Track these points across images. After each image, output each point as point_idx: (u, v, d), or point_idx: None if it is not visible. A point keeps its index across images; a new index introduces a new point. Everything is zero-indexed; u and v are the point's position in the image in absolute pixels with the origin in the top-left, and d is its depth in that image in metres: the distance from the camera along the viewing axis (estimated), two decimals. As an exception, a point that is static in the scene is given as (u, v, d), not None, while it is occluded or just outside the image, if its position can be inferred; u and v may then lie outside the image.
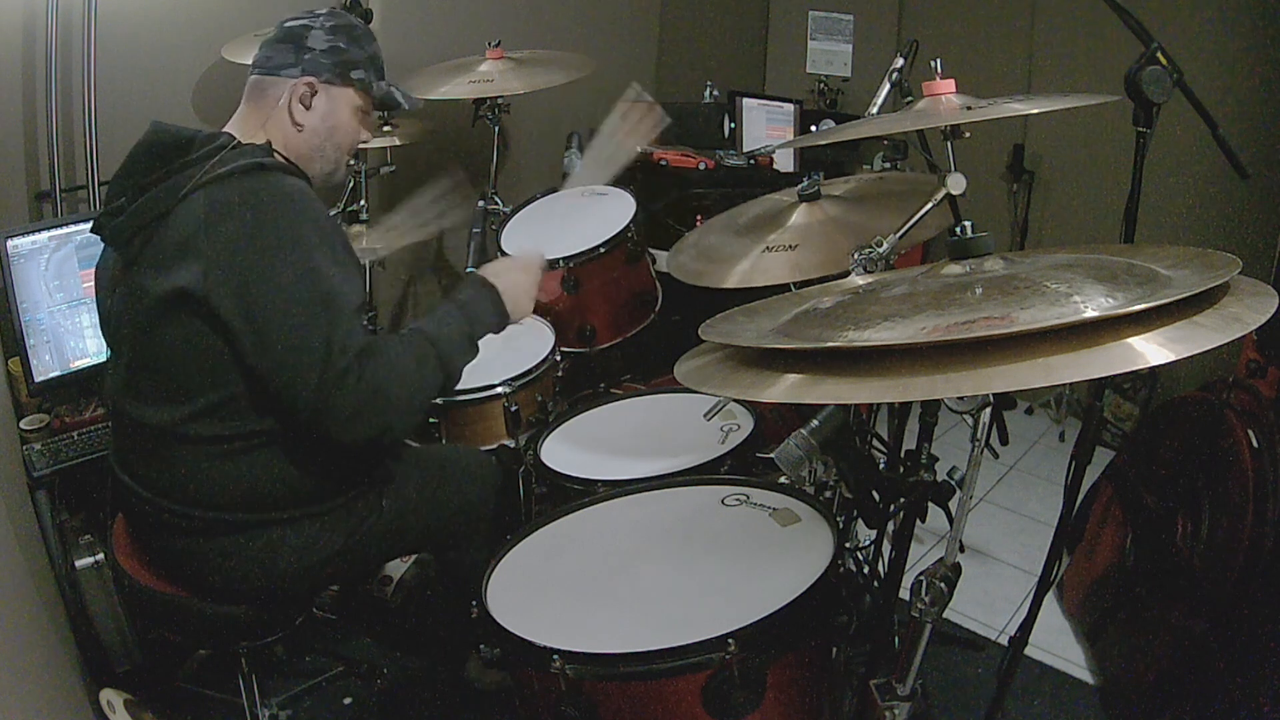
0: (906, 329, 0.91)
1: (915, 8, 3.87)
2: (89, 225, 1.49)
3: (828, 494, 1.70)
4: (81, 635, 1.96)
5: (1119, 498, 2.27)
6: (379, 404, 1.32)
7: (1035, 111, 1.28)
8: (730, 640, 1.09)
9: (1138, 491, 2.17)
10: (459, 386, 2.03)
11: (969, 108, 1.26)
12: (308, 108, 1.47)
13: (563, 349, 2.25)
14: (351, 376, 1.29)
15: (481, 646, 1.29)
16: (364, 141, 1.58)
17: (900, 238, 1.39)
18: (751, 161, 3.35)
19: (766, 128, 3.59)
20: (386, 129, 2.62)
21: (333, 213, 2.60)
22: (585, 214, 2.52)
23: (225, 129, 1.46)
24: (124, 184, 1.39)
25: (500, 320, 1.59)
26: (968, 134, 1.33)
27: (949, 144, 1.34)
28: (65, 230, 2.01)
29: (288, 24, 1.48)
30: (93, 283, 2.01)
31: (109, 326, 1.50)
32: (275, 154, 1.44)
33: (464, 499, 1.75)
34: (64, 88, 2.20)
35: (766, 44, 4.18)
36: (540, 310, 2.38)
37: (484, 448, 2.08)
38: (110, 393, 1.51)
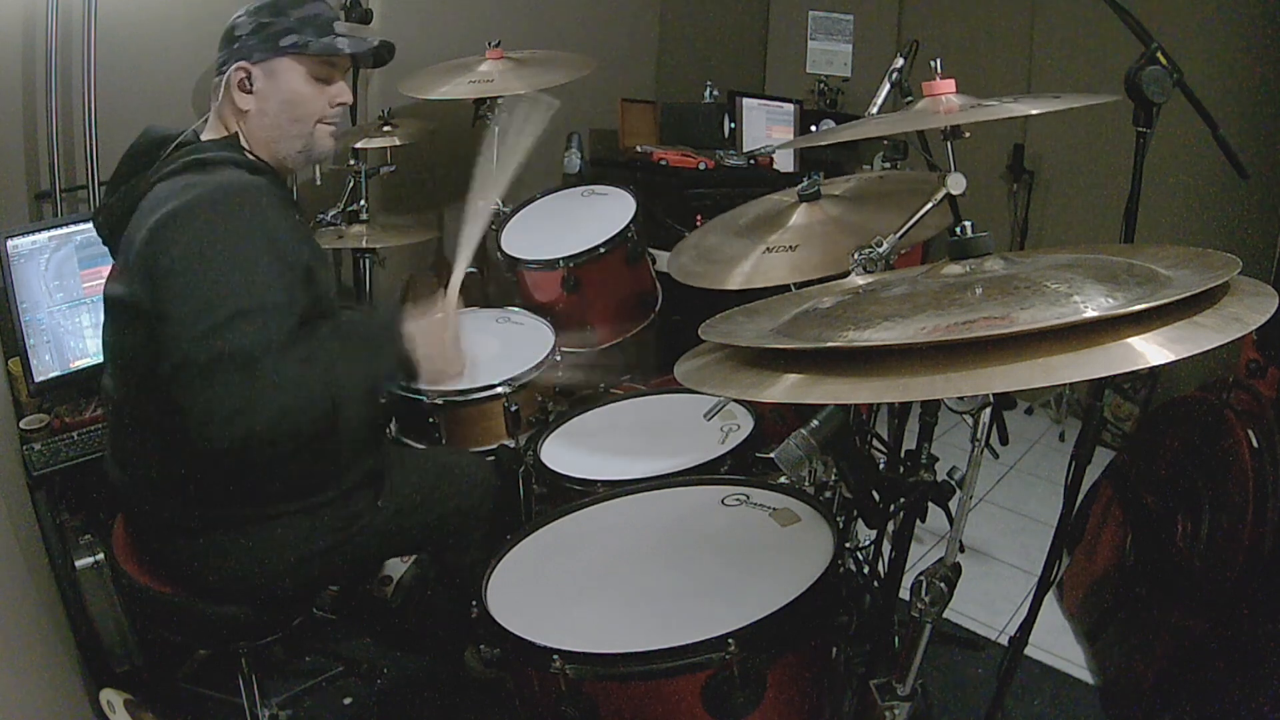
0: (906, 329, 0.91)
1: (915, 8, 3.87)
2: (90, 225, 1.54)
3: (828, 494, 1.70)
4: (81, 635, 1.96)
5: (1119, 498, 2.27)
6: (235, 418, 1.21)
7: (1035, 112, 1.28)
8: (730, 640, 1.09)
9: (1138, 491, 2.17)
10: (460, 386, 2.05)
11: (972, 106, 1.26)
12: (248, 91, 1.45)
13: (563, 349, 2.26)
14: (215, 382, 1.21)
15: (481, 646, 1.29)
16: (342, 102, 1.51)
17: (900, 238, 1.39)
18: (751, 161, 3.35)
19: (766, 128, 3.59)
20: (386, 129, 2.62)
21: (332, 213, 2.61)
22: (585, 214, 2.52)
23: (192, 129, 1.47)
24: (111, 185, 1.44)
25: (406, 376, 1.46)
26: (968, 134, 1.33)
27: (949, 144, 1.34)
28: (65, 230, 2.01)
29: (225, 27, 1.48)
30: (93, 283, 2.03)
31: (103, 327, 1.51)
32: (241, 148, 1.44)
33: (461, 501, 1.75)
34: (64, 88, 2.20)
35: (766, 44, 4.18)
36: (540, 310, 2.38)
37: (484, 448, 2.08)
38: (104, 387, 1.53)
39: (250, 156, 1.46)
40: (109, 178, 1.47)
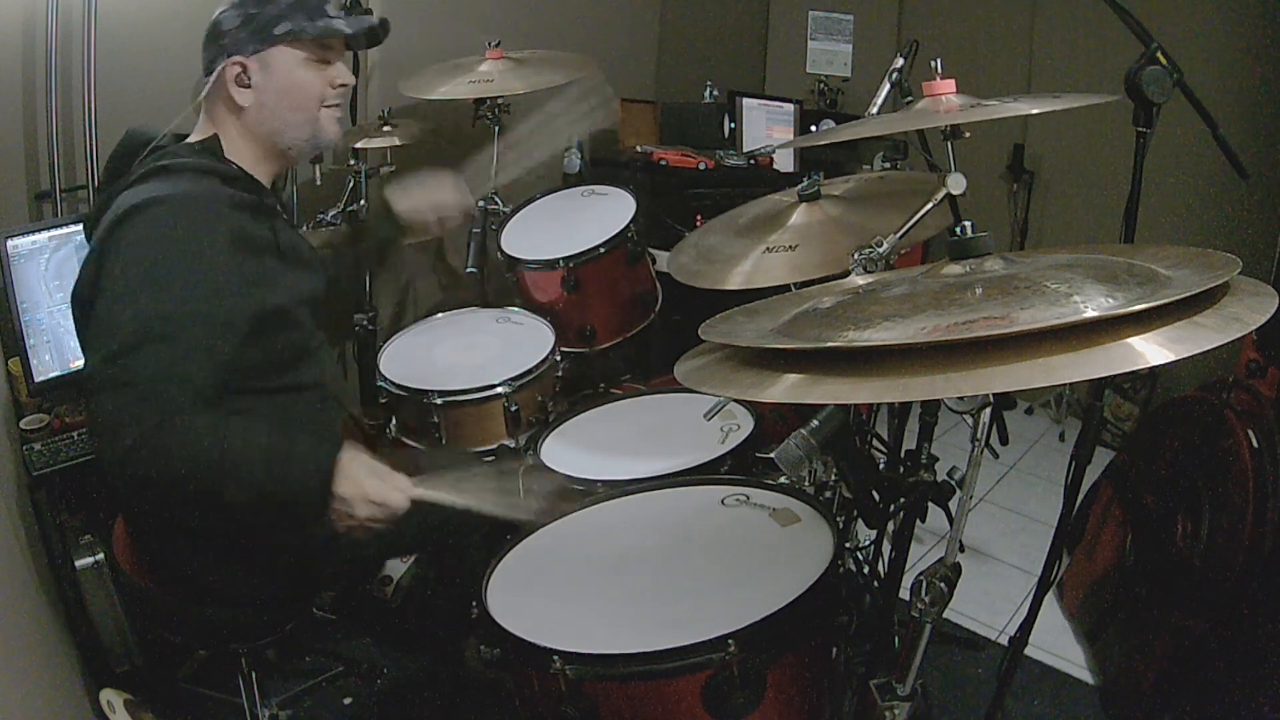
0: (906, 329, 0.91)
1: (915, 8, 3.87)
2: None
3: (828, 494, 1.70)
4: (81, 635, 1.95)
5: (1119, 498, 2.27)
6: (125, 452, 1.14)
7: (1035, 111, 1.28)
8: (730, 640, 1.09)
9: (1138, 491, 2.17)
10: (460, 386, 2.05)
11: (972, 106, 1.26)
12: (246, 86, 1.41)
13: (563, 349, 2.26)
14: (111, 406, 1.16)
15: (481, 647, 1.29)
16: (343, 83, 1.48)
17: (900, 238, 1.39)
18: (751, 161, 3.35)
19: (766, 128, 3.60)
20: (387, 129, 2.62)
21: (332, 213, 2.61)
22: (585, 214, 2.52)
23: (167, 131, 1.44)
24: (99, 191, 1.43)
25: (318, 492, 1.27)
26: (968, 134, 1.33)
27: (949, 144, 1.34)
28: (65, 230, 2.01)
29: (209, 23, 1.43)
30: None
31: None
32: (217, 152, 1.42)
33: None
34: (64, 88, 2.20)
35: (766, 44, 4.19)
36: (540, 310, 2.38)
37: (484, 448, 2.08)
38: None
39: (229, 163, 1.43)
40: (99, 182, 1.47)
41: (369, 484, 1.27)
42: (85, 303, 1.30)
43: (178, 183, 1.33)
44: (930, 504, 1.44)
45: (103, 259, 1.26)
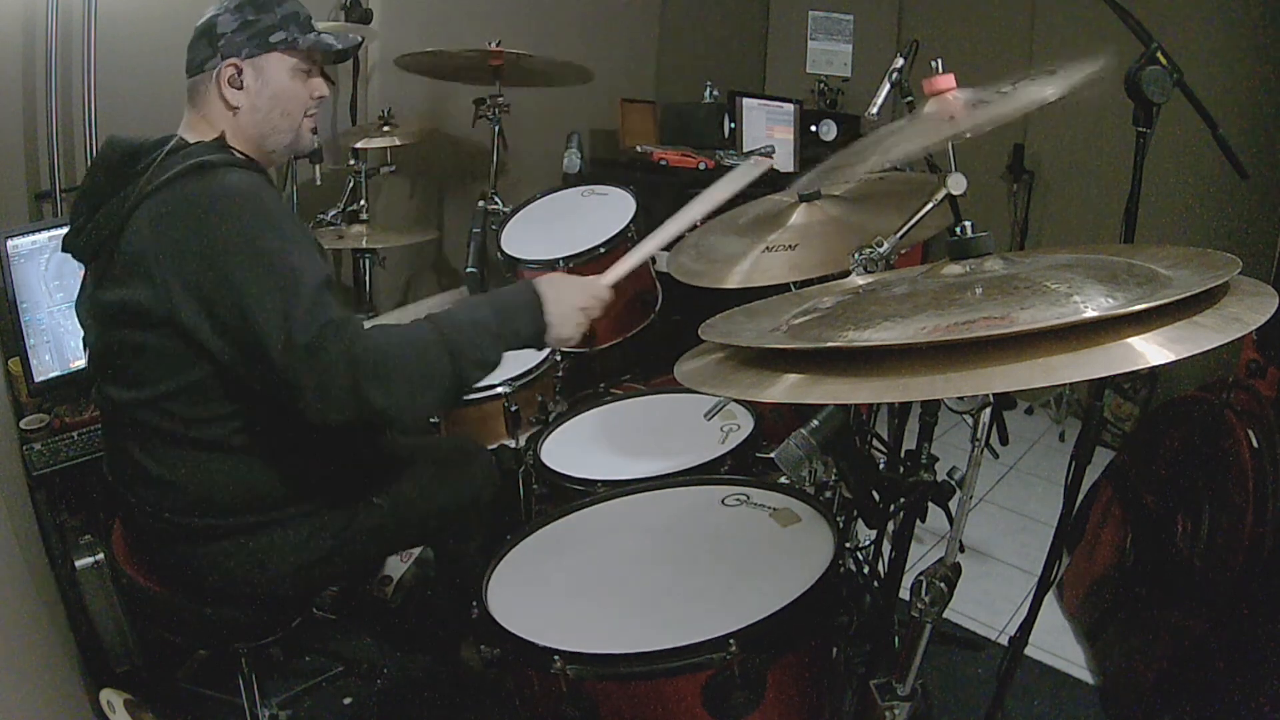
0: (906, 329, 0.91)
1: (915, 8, 3.88)
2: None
3: (828, 494, 1.70)
4: (81, 635, 1.95)
5: (1119, 498, 2.27)
6: (356, 378, 1.24)
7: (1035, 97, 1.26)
8: (731, 640, 1.09)
9: (1138, 491, 2.17)
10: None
11: (976, 103, 1.26)
12: (239, 88, 1.46)
13: (563, 349, 2.26)
14: (323, 352, 1.24)
15: (481, 647, 1.29)
16: (321, 96, 1.56)
17: (900, 238, 1.39)
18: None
19: (766, 128, 3.60)
20: (386, 129, 2.62)
21: (332, 213, 2.61)
22: (585, 214, 2.52)
23: (177, 134, 1.45)
24: (83, 203, 1.42)
25: (535, 332, 1.44)
26: (968, 133, 1.33)
27: (949, 144, 1.34)
28: (65, 230, 2.00)
29: (198, 23, 1.48)
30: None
31: (85, 336, 1.50)
32: (228, 147, 1.44)
33: (461, 490, 1.74)
34: (64, 88, 2.20)
35: (766, 44, 4.19)
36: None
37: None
38: (96, 398, 1.52)
39: (241, 156, 1.45)
40: (77, 194, 1.44)
41: (575, 297, 1.46)
42: (149, 302, 1.31)
43: (228, 175, 1.37)
44: (930, 504, 1.44)
45: (213, 249, 1.28)
